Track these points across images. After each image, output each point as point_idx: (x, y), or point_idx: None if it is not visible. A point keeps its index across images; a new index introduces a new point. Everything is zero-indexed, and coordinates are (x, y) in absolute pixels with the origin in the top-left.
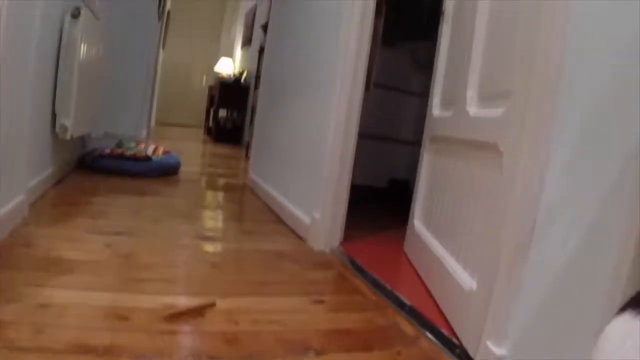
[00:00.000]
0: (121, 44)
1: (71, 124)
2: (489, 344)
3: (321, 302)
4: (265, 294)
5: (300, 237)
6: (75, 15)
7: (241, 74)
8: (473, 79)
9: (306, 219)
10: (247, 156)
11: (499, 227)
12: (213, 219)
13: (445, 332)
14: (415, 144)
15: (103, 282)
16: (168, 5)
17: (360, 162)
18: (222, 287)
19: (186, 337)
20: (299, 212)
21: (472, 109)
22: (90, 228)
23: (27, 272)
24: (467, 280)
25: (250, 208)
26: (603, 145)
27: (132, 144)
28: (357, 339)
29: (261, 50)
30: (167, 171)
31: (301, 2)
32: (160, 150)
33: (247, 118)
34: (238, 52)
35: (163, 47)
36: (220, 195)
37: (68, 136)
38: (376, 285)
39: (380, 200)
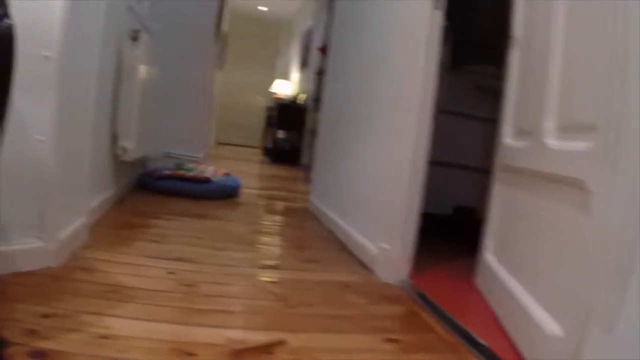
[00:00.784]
0: (179, 66)
1: (132, 145)
2: None
3: (393, 340)
4: (333, 330)
5: (365, 267)
6: (135, 38)
7: (297, 95)
8: (550, 108)
9: (373, 249)
10: (305, 179)
11: (587, 272)
12: (274, 246)
13: None
14: (481, 170)
15: (165, 312)
16: (224, 27)
17: (425, 189)
18: (287, 322)
19: None
20: (365, 241)
21: (551, 141)
22: (150, 252)
23: (88, 300)
24: (549, 323)
25: (313, 234)
26: None
27: (192, 166)
28: None
29: (319, 73)
30: (227, 193)
31: (364, 27)
32: (220, 172)
33: (305, 140)
34: (294, 73)
35: (220, 68)
36: (281, 219)
37: (129, 157)
38: (449, 322)
39: (445, 228)
